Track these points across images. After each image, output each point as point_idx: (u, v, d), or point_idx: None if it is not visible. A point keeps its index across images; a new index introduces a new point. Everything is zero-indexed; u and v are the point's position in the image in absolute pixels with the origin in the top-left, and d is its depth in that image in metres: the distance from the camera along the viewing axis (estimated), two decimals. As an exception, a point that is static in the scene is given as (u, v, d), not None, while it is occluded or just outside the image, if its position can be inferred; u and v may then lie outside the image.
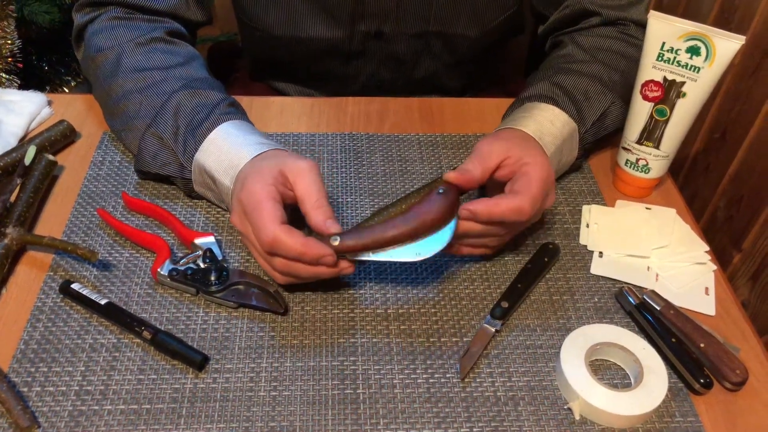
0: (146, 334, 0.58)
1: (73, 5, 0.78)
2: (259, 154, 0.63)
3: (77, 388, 0.55)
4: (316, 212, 0.58)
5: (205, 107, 0.68)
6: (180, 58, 0.73)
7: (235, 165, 0.63)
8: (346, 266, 0.58)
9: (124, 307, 0.60)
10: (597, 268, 0.67)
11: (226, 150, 0.64)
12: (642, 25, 0.78)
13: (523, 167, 0.61)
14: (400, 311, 0.62)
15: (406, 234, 0.58)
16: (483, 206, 0.59)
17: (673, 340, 0.59)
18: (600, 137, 0.76)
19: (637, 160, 0.73)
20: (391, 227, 0.58)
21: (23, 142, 0.76)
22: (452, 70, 0.94)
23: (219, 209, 0.71)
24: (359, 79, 0.93)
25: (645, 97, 0.69)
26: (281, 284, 0.62)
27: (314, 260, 0.56)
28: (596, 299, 0.64)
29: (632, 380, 0.58)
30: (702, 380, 0.56)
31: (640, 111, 0.70)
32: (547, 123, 0.69)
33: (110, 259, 0.65)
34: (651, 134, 0.71)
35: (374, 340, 0.60)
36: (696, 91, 0.67)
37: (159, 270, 0.62)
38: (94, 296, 0.60)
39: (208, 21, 0.83)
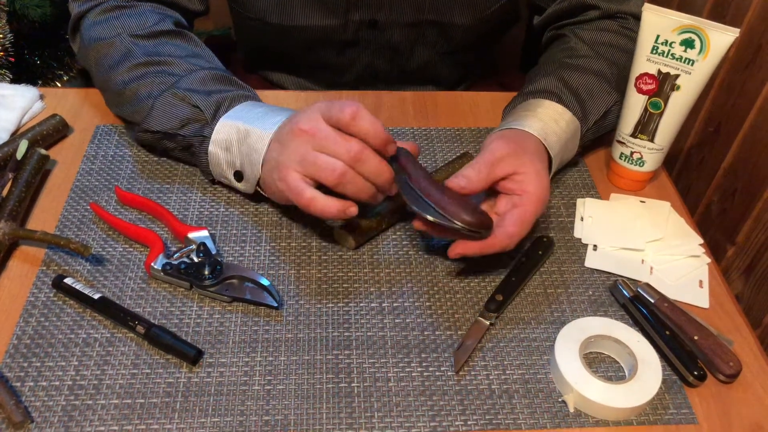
0: (140, 328, 0.57)
1: (65, -1, 0.77)
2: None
3: (70, 382, 0.55)
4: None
5: (231, 90, 0.69)
6: (190, 51, 0.73)
7: (277, 120, 0.63)
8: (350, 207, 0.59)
9: (117, 302, 0.60)
10: (591, 261, 0.67)
11: (263, 111, 0.65)
12: (640, 19, 0.78)
13: (524, 196, 0.61)
14: (395, 305, 0.62)
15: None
16: (476, 250, 0.60)
17: (667, 332, 0.59)
18: (599, 135, 0.76)
19: (632, 153, 0.73)
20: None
21: (15, 136, 0.75)
22: (447, 60, 0.94)
23: (213, 202, 0.70)
24: (354, 69, 0.93)
25: (639, 90, 0.69)
26: (330, 213, 0.59)
27: (384, 142, 0.58)
28: (590, 292, 0.64)
29: (626, 373, 0.58)
30: (696, 372, 0.56)
31: (635, 104, 0.70)
32: (552, 122, 0.68)
33: (103, 253, 0.65)
34: (645, 127, 0.71)
35: (369, 333, 0.60)
36: (690, 84, 0.67)
37: (152, 264, 0.61)
38: (87, 291, 0.60)
39: (205, 11, 0.83)
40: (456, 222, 0.57)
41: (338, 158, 0.58)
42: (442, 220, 0.57)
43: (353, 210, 0.59)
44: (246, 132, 0.64)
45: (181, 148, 0.70)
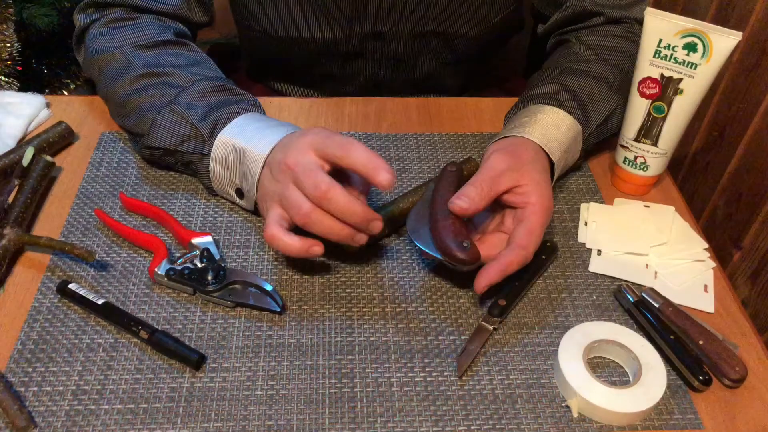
0: (143, 333, 0.58)
1: (72, 9, 0.78)
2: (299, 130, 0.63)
3: (74, 387, 0.55)
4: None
5: (230, 101, 0.69)
6: (191, 60, 0.74)
7: (272, 140, 0.62)
8: (374, 217, 0.58)
9: (121, 307, 0.60)
10: (595, 265, 0.67)
11: (260, 127, 0.64)
12: None
13: (528, 207, 0.60)
14: (398, 309, 0.62)
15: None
16: (498, 276, 0.58)
17: (672, 337, 0.59)
18: (602, 139, 0.76)
19: (635, 157, 0.73)
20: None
21: (21, 143, 0.76)
22: (451, 69, 0.94)
23: (216, 208, 0.70)
24: (358, 79, 0.93)
25: (642, 95, 0.69)
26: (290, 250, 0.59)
27: (365, 220, 0.57)
28: (594, 297, 0.64)
29: (631, 378, 0.57)
30: (701, 377, 0.56)
31: (638, 108, 0.70)
32: (553, 128, 0.68)
33: (107, 259, 0.65)
34: (649, 132, 0.71)
35: (371, 338, 0.60)
36: (693, 88, 0.66)
37: (156, 270, 0.62)
38: (91, 296, 0.60)
39: (209, 22, 0.83)
40: (443, 256, 0.59)
41: (306, 195, 0.57)
42: (428, 249, 0.60)
43: (317, 249, 0.58)
44: (242, 151, 0.64)
45: (183, 164, 0.71)
